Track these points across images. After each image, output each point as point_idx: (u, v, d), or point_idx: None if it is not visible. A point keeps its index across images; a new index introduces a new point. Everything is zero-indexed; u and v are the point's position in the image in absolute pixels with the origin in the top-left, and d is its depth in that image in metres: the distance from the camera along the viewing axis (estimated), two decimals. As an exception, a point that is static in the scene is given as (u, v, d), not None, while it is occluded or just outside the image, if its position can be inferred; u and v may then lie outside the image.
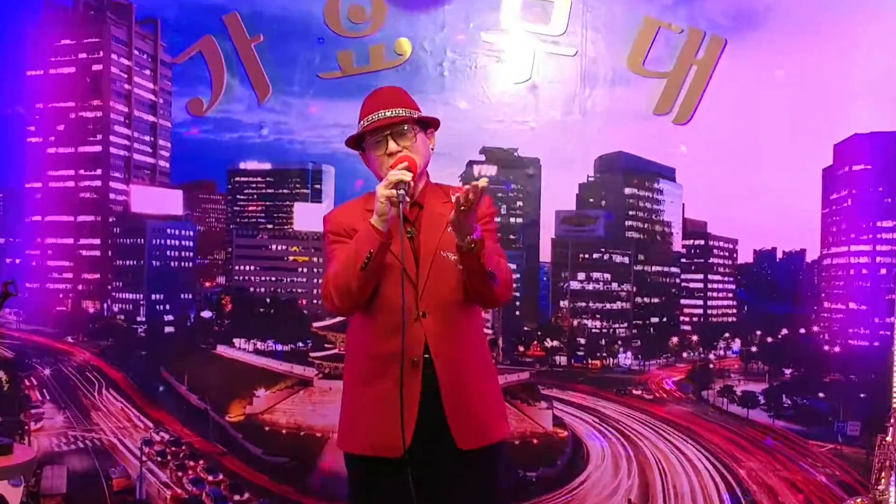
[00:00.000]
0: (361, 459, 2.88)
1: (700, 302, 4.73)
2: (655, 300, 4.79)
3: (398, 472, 2.73)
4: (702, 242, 4.77)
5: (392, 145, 2.77)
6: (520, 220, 4.70)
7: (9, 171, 4.95)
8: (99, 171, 4.83)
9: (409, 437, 2.72)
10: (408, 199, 2.64)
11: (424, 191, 2.86)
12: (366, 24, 4.48)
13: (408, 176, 2.65)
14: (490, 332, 4.72)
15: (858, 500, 4.29)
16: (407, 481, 2.71)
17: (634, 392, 4.67)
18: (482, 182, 2.53)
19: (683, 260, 4.78)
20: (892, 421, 4.28)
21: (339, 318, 4.62)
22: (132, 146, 4.83)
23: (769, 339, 4.66)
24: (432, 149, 2.88)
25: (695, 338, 4.74)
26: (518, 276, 4.65)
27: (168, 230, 4.88)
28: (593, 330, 4.80)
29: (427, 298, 2.79)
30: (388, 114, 2.79)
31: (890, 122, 4.46)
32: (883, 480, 4.29)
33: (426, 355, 2.79)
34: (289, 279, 4.87)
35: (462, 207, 2.54)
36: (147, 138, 4.82)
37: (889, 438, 4.30)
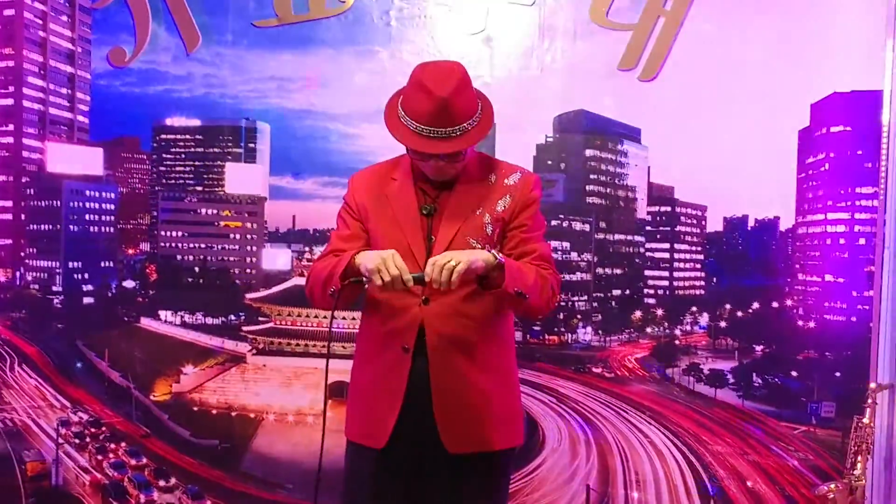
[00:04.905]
0: (349, 442, 3.04)
1: (666, 273, 4.81)
2: (618, 271, 4.85)
3: (376, 464, 2.88)
4: (668, 209, 4.82)
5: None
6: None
7: None
8: (11, 127, 4.89)
9: (390, 429, 2.81)
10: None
11: (465, 164, 2.79)
12: (306, -33, 4.59)
13: (399, 275, 2.66)
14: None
15: (832, 486, 4.22)
16: (386, 475, 2.87)
17: (594, 370, 4.70)
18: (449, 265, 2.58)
19: (648, 228, 4.82)
20: (869, 402, 4.22)
21: (274, 290, 4.90)
22: (47, 99, 4.90)
23: (739, 314, 4.70)
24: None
25: (659, 312, 4.81)
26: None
27: (87, 192, 4.94)
28: (550, 303, 4.65)
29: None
30: (449, 132, 2.69)
31: (871, 79, 4.40)
32: (859, 465, 4.20)
33: (421, 344, 2.81)
34: (220, 246, 4.95)
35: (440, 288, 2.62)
36: (64, 91, 4.90)
37: (866, 420, 4.22)
